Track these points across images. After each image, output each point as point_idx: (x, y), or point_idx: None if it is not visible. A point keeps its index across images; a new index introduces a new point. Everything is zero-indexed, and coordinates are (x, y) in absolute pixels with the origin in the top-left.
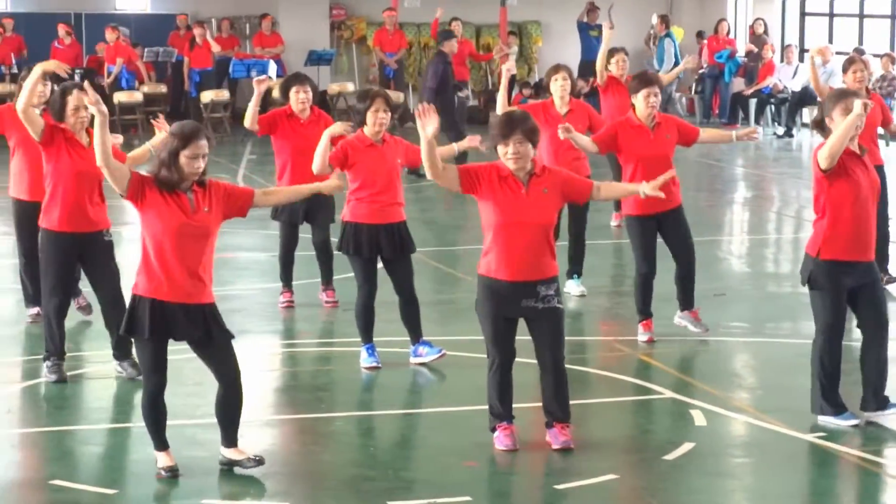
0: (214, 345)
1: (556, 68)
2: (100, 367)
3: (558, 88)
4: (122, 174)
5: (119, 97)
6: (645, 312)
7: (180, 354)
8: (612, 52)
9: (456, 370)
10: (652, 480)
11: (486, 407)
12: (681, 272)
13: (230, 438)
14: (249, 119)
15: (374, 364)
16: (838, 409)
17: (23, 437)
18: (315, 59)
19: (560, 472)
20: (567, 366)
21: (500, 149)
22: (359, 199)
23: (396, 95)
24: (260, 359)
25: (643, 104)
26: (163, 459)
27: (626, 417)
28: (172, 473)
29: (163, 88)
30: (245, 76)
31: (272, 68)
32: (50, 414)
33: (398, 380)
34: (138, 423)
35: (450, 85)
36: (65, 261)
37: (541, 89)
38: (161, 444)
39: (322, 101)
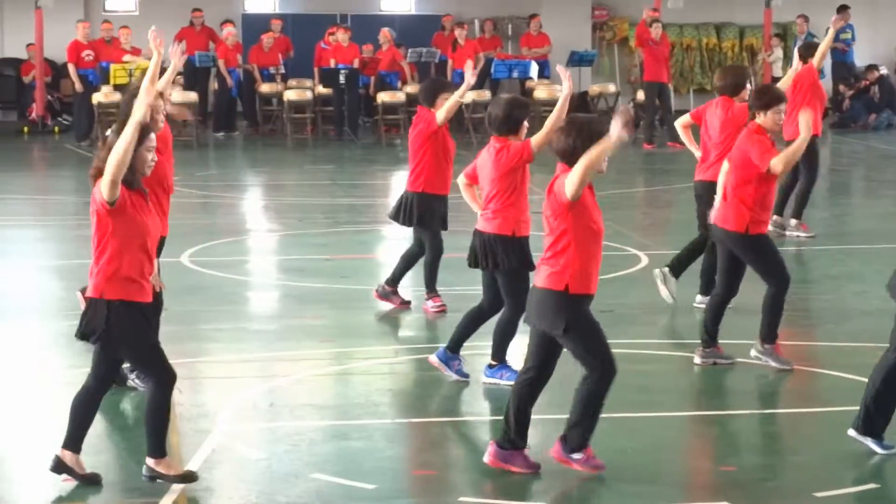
0: None
1: None
2: (353, 364)
3: None
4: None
5: (382, 97)
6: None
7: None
8: None
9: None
10: None
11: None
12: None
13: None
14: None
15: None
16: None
17: (283, 430)
18: (576, 60)
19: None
20: None
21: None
22: (521, 211)
23: None
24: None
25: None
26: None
27: None
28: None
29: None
30: (506, 77)
31: (534, 69)
32: (309, 408)
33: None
34: (395, 420)
35: None
36: None
37: None
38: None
39: (582, 101)
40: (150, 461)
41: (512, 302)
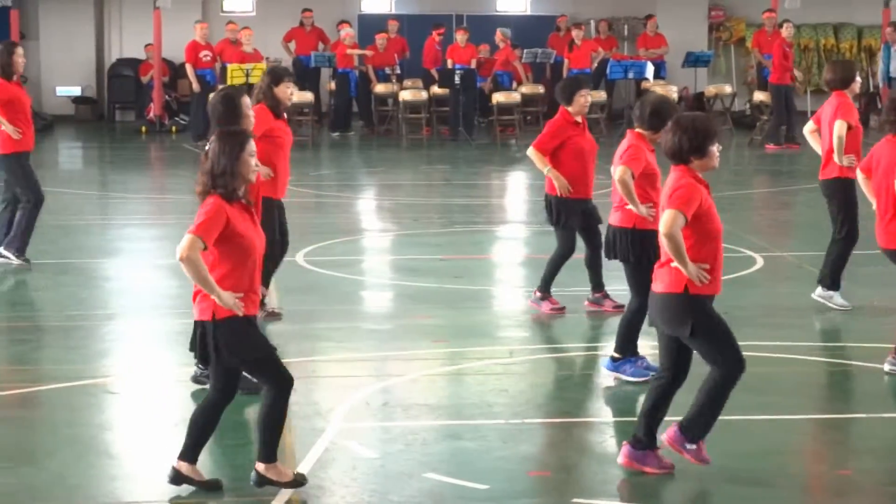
0: None
1: None
2: (466, 364)
3: None
4: None
5: (497, 97)
6: None
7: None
8: None
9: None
10: None
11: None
12: None
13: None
14: None
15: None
16: None
17: (396, 429)
18: (692, 60)
19: None
20: None
21: (711, 149)
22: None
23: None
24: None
25: None
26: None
27: None
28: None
29: (540, 89)
30: (622, 77)
31: (650, 70)
32: (423, 408)
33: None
34: (509, 420)
35: None
36: None
37: None
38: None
39: (699, 102)
40: (260, 466)
41: (637, 295)
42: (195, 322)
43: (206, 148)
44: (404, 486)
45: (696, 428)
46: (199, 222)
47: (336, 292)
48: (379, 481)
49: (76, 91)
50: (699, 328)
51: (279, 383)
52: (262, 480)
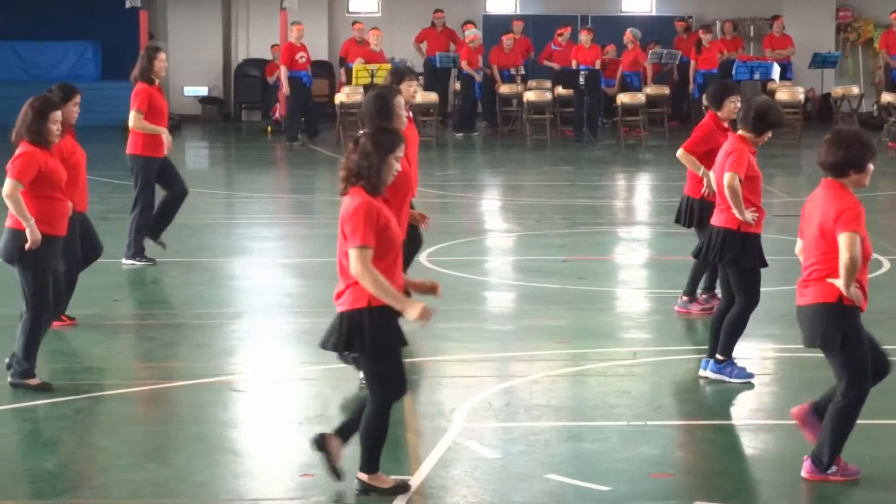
0: None
1: None
2: (589, 365)
3: None
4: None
5: (622, 98)
6: None
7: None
8: None
9: None
10: None
11: None
12: None
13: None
14: None
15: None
16: None
17: (518, 430)
18: (819, 61)
19: None
20: None
21: (869, 165)
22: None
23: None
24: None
25: None
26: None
27: None
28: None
29: (665, 90)
30: (748, 78)
31: (776, 71)
32: (545, 409)
33: None
34: (631, 422)
35: None
36: None
37: None
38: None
39: (825, 103)
40: (362, 476)
41: (742, 297)
42: (341, 315)
43: (355, 140)
44: (525, 486)
45: (828, 455)
46: (360, 232)
47: (459, 292)
48: (500, 482)
49: (203, 91)
50: (849, 340)
51: (392, 388)
52: (367, 488)
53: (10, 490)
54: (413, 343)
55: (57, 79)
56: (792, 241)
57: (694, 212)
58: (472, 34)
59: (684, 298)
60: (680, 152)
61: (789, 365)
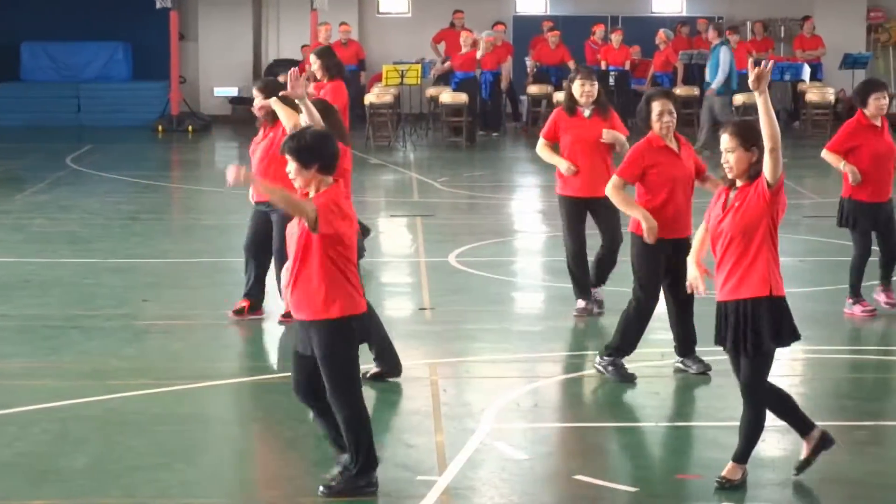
0: None
1: None
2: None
3: None
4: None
5: None
6: None
7: None
8: None
9: None
10: None
11: None
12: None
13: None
14: None
15: None
16: None
17: (545, 430)
18: (850, 62)
19: None
20: None
21: None
22: None
23: None
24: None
25: None
26: None
27: None
28: None
29: (695, 91)
30: (778, 79)
31: (806, 72)
32: (572, 410)
33: None
34: (658, 423)
35: None
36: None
37: None
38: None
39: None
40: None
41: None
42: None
43: None
44: (553, 487)
45: None
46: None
47: (487, 293)
48: (528, 482)
49: (233, 92)
50: None
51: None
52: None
53: (39, 489)
54: (440, 344)
55: (88, 79)
56: (822, 243)
57: (844, 212)
58: (490, 35)
59: (850, 300)
60: (823, 152)
61: (819, 367)
